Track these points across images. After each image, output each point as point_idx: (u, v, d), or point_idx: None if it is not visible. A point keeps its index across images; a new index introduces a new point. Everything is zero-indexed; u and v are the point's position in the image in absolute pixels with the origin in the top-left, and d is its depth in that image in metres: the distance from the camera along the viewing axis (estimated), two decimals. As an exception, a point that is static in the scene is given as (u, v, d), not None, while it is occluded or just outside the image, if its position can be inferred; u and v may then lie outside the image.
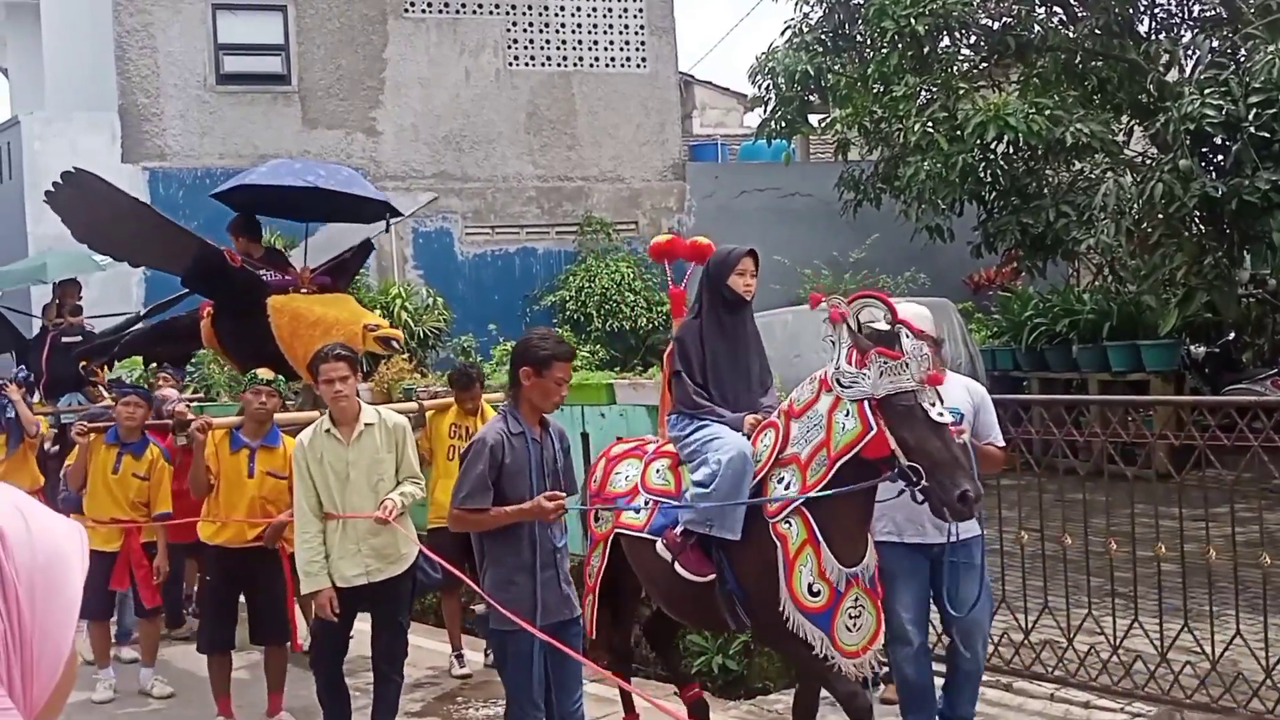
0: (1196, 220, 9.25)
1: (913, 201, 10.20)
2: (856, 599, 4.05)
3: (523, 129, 14.94)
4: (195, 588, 6.78)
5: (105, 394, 8.67)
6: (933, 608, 4.74)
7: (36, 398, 9.58)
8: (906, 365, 3.82)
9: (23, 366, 9.90)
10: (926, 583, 4.60)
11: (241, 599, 5.77)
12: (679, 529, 4.28)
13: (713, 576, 4.20)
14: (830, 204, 13.11)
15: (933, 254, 12.53)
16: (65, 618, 1.13)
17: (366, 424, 4.85)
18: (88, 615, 6.16)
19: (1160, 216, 8.86)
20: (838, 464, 3.93)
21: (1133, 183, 8.89)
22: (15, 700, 1.10)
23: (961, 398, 4.43)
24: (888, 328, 3.90)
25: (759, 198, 15.01)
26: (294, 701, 5.74)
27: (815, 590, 4.00)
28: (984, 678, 4.86)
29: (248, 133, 13.75)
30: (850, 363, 3.91)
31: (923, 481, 3.77)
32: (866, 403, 3.86)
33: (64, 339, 9.69)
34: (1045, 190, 10.16)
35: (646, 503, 4.48)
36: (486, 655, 6.25)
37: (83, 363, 8.65)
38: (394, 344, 6.49)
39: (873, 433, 3.84)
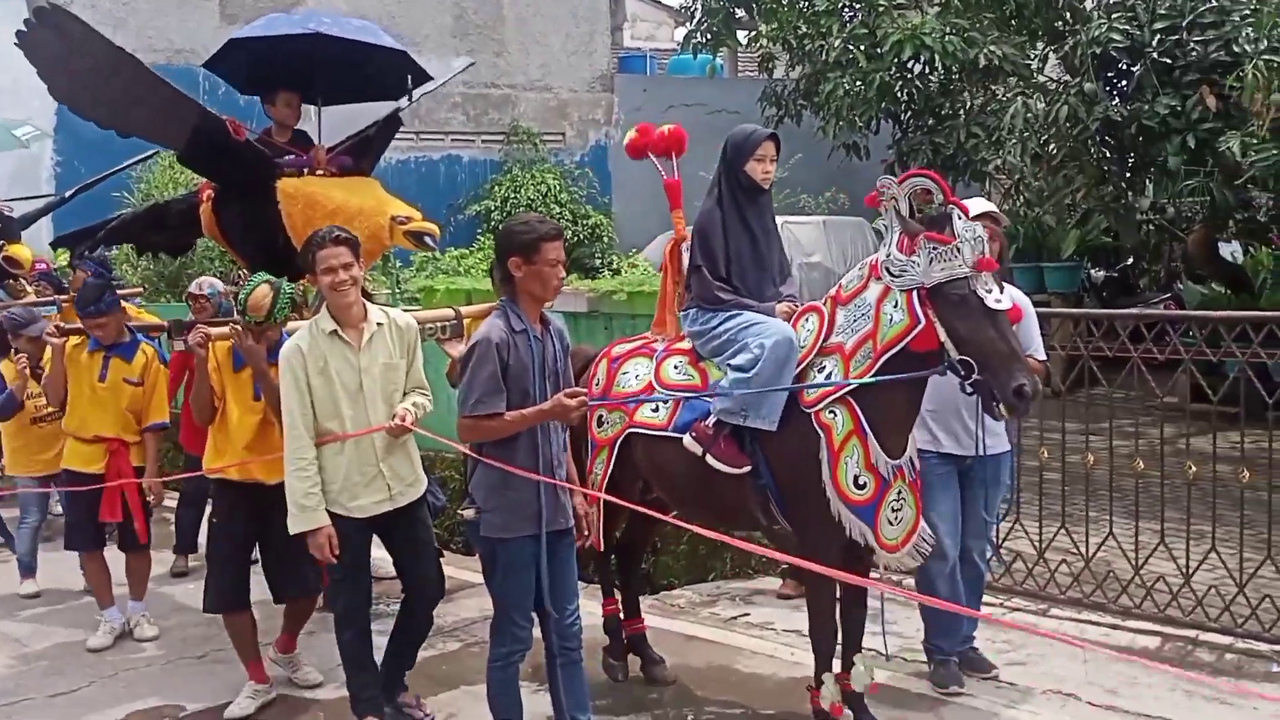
0: (1098, 144, 9.52)
1: (830, 118, 10.30)
2: (900, 492, 3.89)
3: (449, 33, 14.66)
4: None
5: (28, 288, 8.19)
6: None
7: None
8: (959, 250, 3.56)
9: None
10: (958, 496, 4.53)
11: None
12: (710, 420, 4.06)
13: (748, 468, 4.01)
14: (756, 121, 13.13)
15: (853, 175, 12.67)
16: None
17: (378, 324, 4.17)
18: (77, 547, 5.55)
19: (1064, 139, 9.11)
20: (884, 357, 3.73)
21: (1041, 105, 9.10)
22: None
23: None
24: (940, 209, 3.64)
25: (687, 113, 14.90)
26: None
27: (861, 483, 3.82)
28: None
29: (162, 26, 13.28)
30: (900, 250, 3.68)
31: (975, 375, 3.56)
32: (915, 293, 3.64)
33: None
34: (960, 111, 10.34)
35: (667, 400, 4.26)
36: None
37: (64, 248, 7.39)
38: (428, 240, 5.40)
39: (921, 326, 3.63)
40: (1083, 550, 5.55)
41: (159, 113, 5.38)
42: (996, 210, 4.60)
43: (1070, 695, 4.59)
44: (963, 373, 3.58)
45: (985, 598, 5.30)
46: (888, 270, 3.73)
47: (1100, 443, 5.68)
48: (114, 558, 5.64)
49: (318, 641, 5.11)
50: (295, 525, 4.08)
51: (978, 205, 4.54)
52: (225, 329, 4.70)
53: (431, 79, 6.16)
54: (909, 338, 3.67)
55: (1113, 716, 4.40)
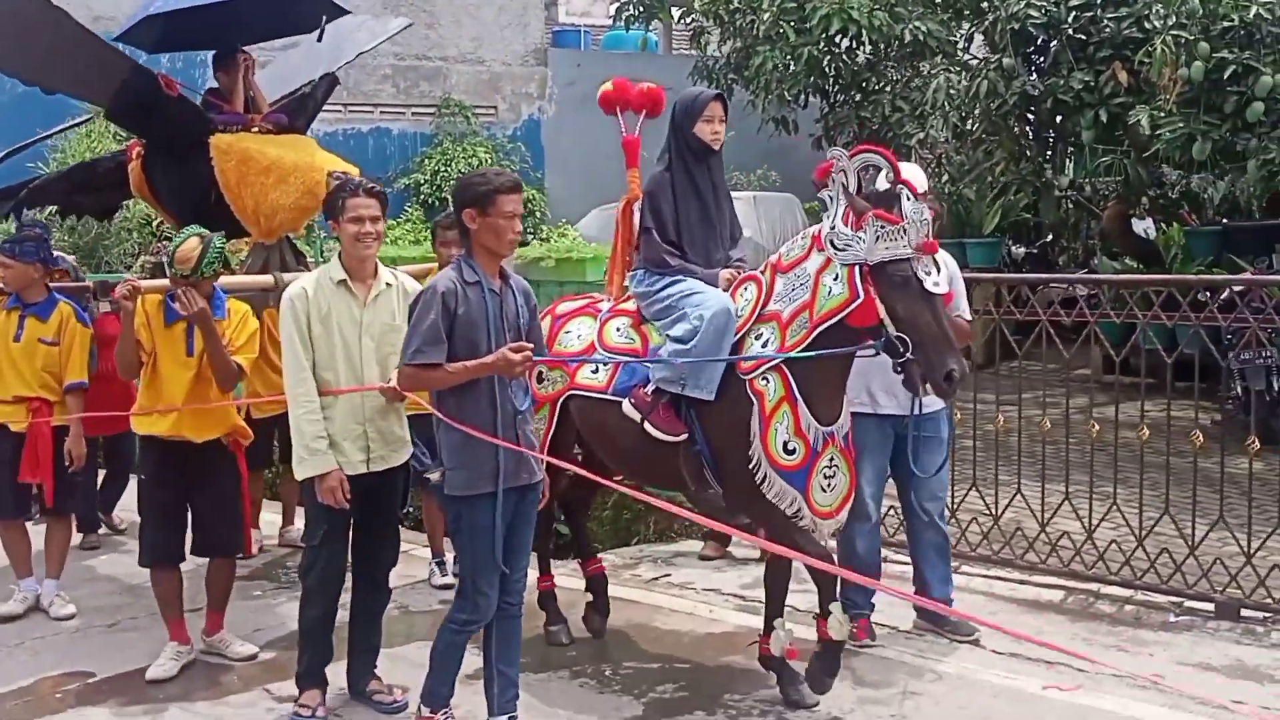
0: (1018, 118, 9.75)
1: (760, 92, 10.40)
2: (832, 459, 3.95)
3: (379, 3, 14.47)
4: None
5: None
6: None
7: None
8: (904, 231, 3.61)
9: None
10: (889, 457, 4.62)
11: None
12: (649, 388, 4.12)
13: (685, 435, 4.08)
14: (688, 96, 13.17)
15: (785, 152, 12.80)
16: None
17: (386, 284, 4.14)
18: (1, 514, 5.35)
19: (985, 114, 9.31)
20: (819, 328, 3.79)
21: (964, 81, 9.29)
22: None
23: None
24: (888, 187, 3.66)
25: (620, 88, 14.96)
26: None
27: (791, 448, 3.89)
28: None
29: (79, -11, 12.93)
30: (845, 223, 3.70)
31: (908, 355, 3.62)
32: (857, 268, 3.68)
33: None
34: (885, 87, 10.50)
35: (607, 362, 4.28)
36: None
37: None
38: None
39: (859, 300, 3.68)
40: (993, 510, 5.72)
41: (86, 67, 5.25)
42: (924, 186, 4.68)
43: (975, 644, 4.75)
44: (899, 350, 3.64)
45: (899, 556, 5.40)
46: (831, 243, 3.75)
47: (1012, 410, 5.86)
48: (38, 532, 5.50)
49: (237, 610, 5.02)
50: (304, 470, 3.99)
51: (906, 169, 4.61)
52: (164, 282, 4.57)
53: (349, 12, 6.14)
54: (846, 311, 3.72)
55: (1014, 663, 4.56)
